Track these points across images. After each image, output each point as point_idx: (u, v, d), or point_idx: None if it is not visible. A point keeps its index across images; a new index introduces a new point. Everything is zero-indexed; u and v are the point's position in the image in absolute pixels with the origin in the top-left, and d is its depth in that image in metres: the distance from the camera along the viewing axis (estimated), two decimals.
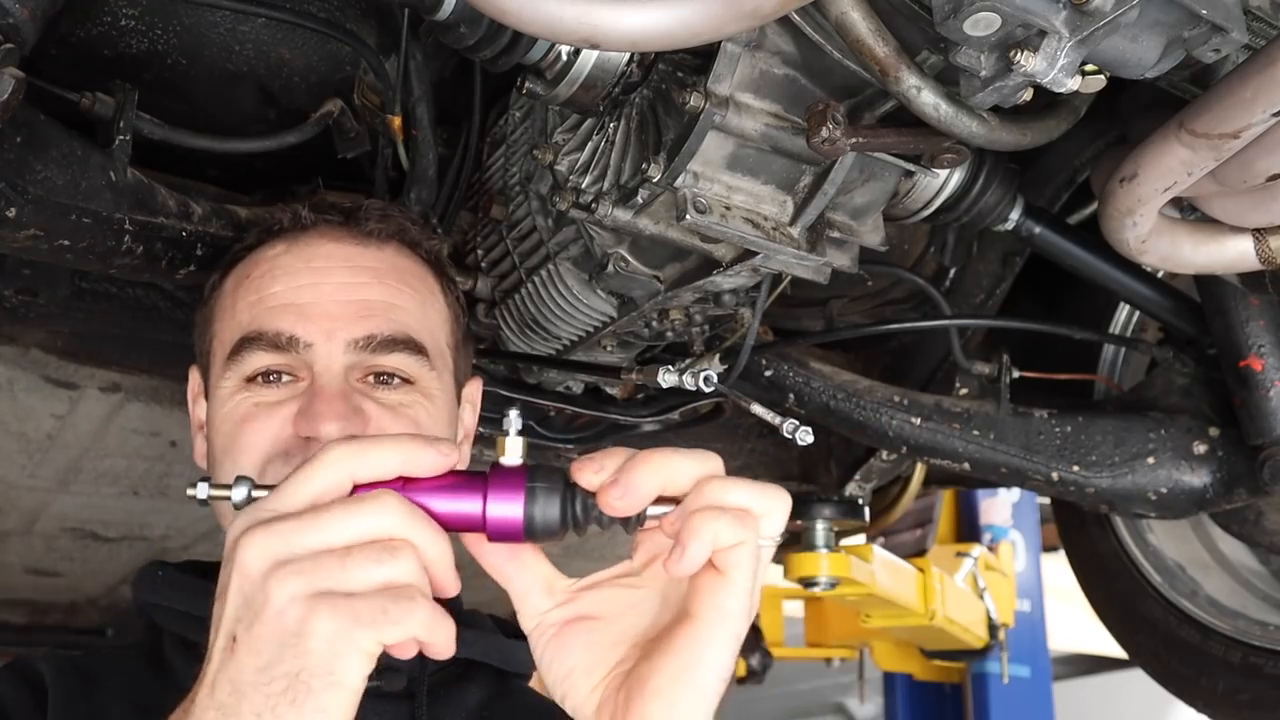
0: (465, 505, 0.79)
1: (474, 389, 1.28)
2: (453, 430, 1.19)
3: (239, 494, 0.81)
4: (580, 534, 0.81)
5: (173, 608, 1.13)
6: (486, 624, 1.25)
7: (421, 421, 1.11)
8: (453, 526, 0.79)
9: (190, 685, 1.04)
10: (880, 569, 2.93)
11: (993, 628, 4.39)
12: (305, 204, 1.21)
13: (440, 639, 0.75)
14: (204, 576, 1.17)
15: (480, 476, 0.81)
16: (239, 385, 1.11)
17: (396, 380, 1.12)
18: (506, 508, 0.79)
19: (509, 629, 1.22)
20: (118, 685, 1.06)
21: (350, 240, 1.18)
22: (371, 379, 1.11)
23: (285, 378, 1.10)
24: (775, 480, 2.34)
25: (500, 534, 0.80)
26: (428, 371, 1.14)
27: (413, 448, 0.79)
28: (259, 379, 1.10)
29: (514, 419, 0.82)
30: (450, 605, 0.81)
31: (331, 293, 1.12)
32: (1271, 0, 0.96)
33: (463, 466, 0.82)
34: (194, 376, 1.24)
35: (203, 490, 0.83)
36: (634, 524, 0.81)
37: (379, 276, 1.15)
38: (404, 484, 0.79)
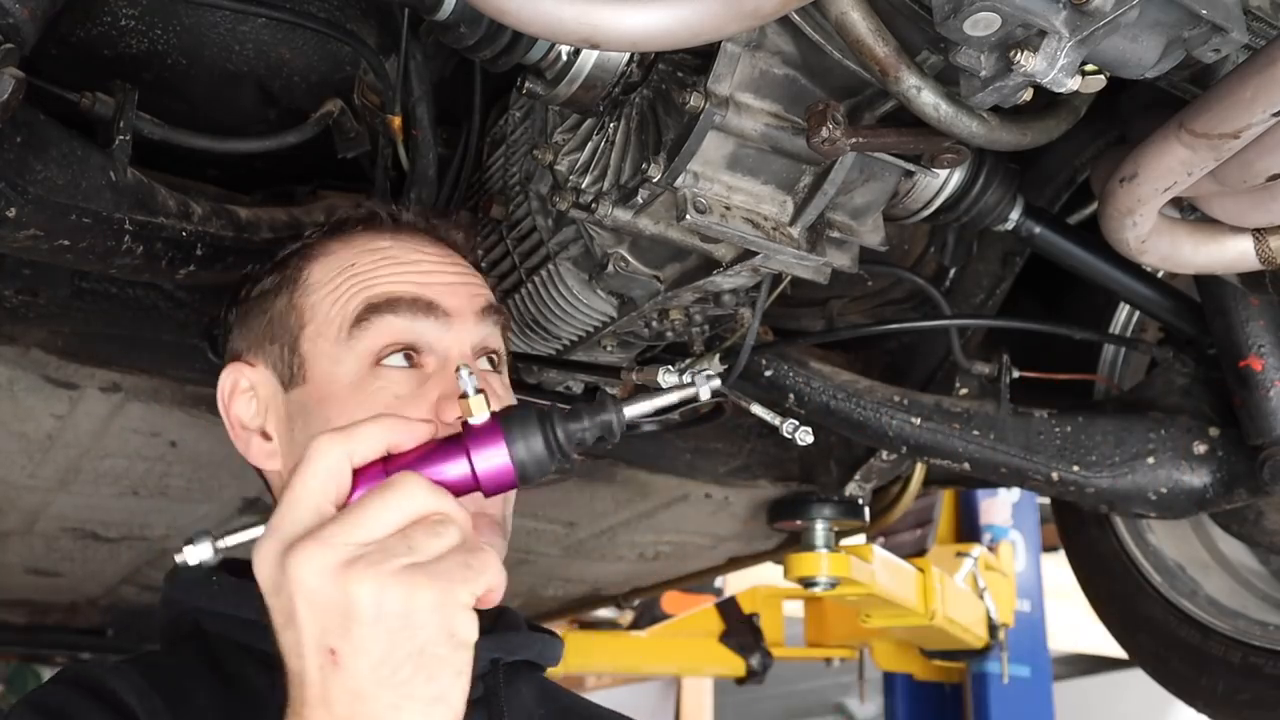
0: (454, 469, 0.80)
1: None
2: None
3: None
4: (570, 463, 0.81)
5: (228, 614, 1.09)
6: (522, 621, 1.24)
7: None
8: (454, 491, 0.80)
9: (259, 692, 1.00)
10: (880, 569, 2.92)
11: (993, 628, 4.38)
12: (401, 207, 1.23)
13: (502, 584, 0.77)
14: (241, 575, 1.12)
15: (456, 439, 0.81)
16: (366, 368, 1.07)
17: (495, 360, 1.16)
18: (493, 458, 0.80)
19: (532, 623, 1.24)
20: (199, 702, 1.02)
21: (442, 244, 1.21)
22: (484, 362, 1.14)
23: (409, 362, 1.08)
24: (775, 480, 2.36)
25: (496, 486, 0.81)
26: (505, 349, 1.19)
27: (392, 423, 0.82)
28: (385, 363, 1.07)
29: (465, 377, 0.83)
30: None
31: (450, 279, 1.15)
32: (1271, 0, 0.96)
33: None
34: (236, 373, 1.16)
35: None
36: (610, 439, 0.82)
37: (473, 276, 1.19)
38: (387, 462, 0.80)
